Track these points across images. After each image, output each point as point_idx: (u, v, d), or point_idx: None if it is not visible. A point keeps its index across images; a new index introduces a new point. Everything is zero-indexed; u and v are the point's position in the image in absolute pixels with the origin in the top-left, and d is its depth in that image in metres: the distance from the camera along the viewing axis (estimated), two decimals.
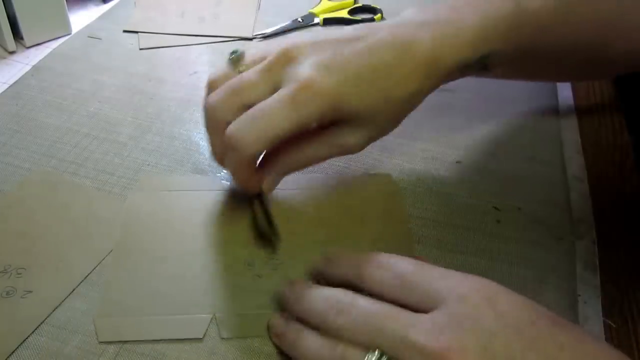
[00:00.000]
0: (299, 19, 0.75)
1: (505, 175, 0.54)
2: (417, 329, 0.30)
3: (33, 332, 0.39)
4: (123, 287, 0.42)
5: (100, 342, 0.39)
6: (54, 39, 0.70)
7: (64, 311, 0.41)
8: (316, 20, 0.76)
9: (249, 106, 0.41)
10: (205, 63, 0.67)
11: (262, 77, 0.42)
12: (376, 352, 0.31)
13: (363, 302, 0.34)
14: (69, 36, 0.71)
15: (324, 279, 0.40)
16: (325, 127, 0.44)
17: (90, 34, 0.71)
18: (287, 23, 0.75)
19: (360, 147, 0.45)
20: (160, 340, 0.39)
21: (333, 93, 0.40)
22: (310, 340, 0.35)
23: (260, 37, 0.72)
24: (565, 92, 0.64)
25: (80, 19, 0.74)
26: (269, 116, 0.40)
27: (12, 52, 0.68)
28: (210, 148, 0.46)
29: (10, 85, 0.62)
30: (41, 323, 0.40)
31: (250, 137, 0.40)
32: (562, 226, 0.49)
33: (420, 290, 0.33)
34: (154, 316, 0.41)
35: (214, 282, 0.43)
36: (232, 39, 0.72)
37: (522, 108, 0.61)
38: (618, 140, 0.58)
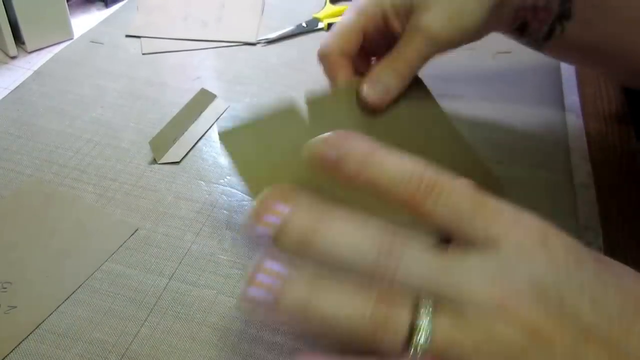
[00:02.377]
0: (303, 24, 0.75)
1: (511, 181, 0.53)
2: (472, 278, 0.27)
3: (28, 340, 0.39)
4: None
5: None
6: (55, 44, 0.70)
7: (65, 318, 0.41)
8: (320, 25, 0.75)
9: None
10: (208, 68, 0.67)
11: None
12: (428, 306, 0.27)
13: (416, 245, 0.28)
14: (71, 41, 0.71)
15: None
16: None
17: (93, 38, 0.71)
18: (291, 28, 0.74)
19: (447, 33, 0.45)
20: (162, 345, 0.39)
21: None
22: (334, 290, 0.27)
23: (264, 42, 0.72)
24: (572, 97, 0.64)
25: (82, 23, 0.74)
26: (342, 18, 0.48)
27: (13, 57, 0.68)
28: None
29: (12, 91, 0.62)
30: (23, 340, 0.40)
31: (330, 38, 0.48)
32: (569, 233, 0.49)
33: (477, 225, 0.29)
34: None
35: None
36: (235, 43, 0.72)
37: (528, 114, 0.60)
38: (625, 147, 0.58)
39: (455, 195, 0.29)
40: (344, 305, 0.27)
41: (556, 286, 0.28)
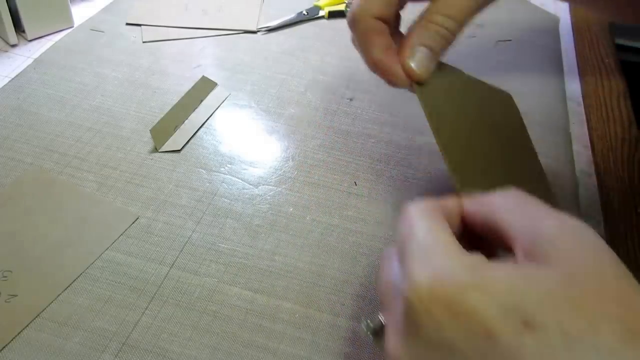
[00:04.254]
0: (304, 12, 0.75)
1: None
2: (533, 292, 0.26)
3: (29, 328, 0.39)
4: None
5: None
6: (56, 32, 0.70)
7: (65, 307, 0.41)
8: (321, 13, 0.75)
9: None
10: (208, 56, 0.67)
11: None
12: None
13: None
14: (71, 29, 0.71)
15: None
16: None
17: (93, 27, 0.71)
18: (291, 16, 0.74)
19: None
20: (163, 334, 0.39)
21: None
22: None
23: (265, 30, 0.72)
24: (573, 85, 0.64)
25: (82, 11, 0.73)
26: None
27: (13, 45, 0.68)
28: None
29: (12, 79, 0.61)
30: (23, 328, 0.40)
31: (365, 1, 0.39)
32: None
33: (528, 231, 0.29)
34: None
35: None
36: (236, 32, 0.71)
37: (529, 102, 0.60)
38: (626, 134, 0.58)
39: None
40: None
41: (598, 300, 0.25)
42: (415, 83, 0.39)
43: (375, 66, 0.40)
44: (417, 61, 0.39)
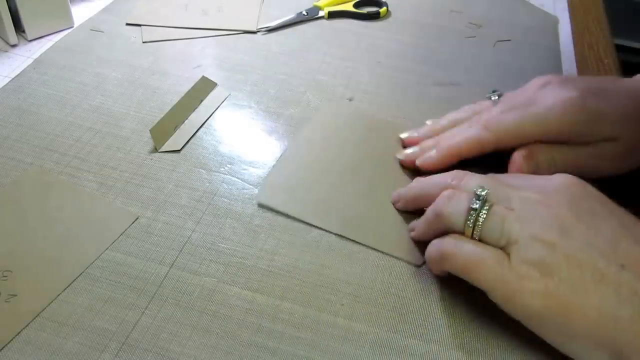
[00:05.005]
0: (304, 12, 0.75)
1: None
2: (519, 187, 0.41)
3: (29, 328, 0.39)
4: (287, 173, 0.51)
5: (259, 205, 0.48)
6: (56, 32, 0.70)
7: (65, 307, 0.41)
8: (321, 13, 0.75)
9: None
10: (208, 56, 0.67)
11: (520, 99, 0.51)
12: (483, 193, 0.40)
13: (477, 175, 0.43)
14: (71, 29, 0.71)
15: None
16: None
17: (93, 27, 0.71)
18: (291, 16, 0.74)
19: (619, 163, 0.49)
20: (162, 333, 0.39)
21: (573, 107, 0.47)
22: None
23: (265, 30, 0.72)
24: None
25: (82, 12, 0.73)
26: (530, 119, 0.48)
27: (13, 45, 0.68)
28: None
29: (12, 79, 0.61)
30: (23, 328, 0.40)
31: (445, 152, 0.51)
32: None
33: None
34: (307, 204, 0.48)
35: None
36: (236, 32, 0.71)
37: None
38: None
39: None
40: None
41: (588, 205, 0.38)
42: None
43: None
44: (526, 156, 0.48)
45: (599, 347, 0.34)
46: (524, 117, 0.48)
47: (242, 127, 0.57)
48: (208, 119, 0.57)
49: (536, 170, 0.47)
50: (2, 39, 0.69)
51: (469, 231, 0.39)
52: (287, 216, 0.47)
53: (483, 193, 0.40)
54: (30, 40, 0.69)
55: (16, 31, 0.68)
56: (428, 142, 0.53)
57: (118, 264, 0.44)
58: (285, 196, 0.49)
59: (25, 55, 0.66)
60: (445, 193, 0.42)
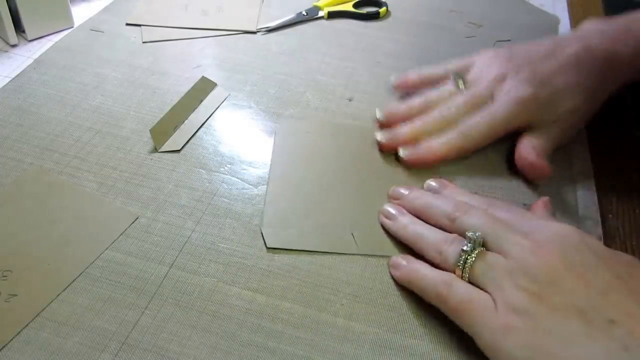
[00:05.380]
0: (303, 12, 0.75)
1: (510, 171, 0.53)
2: (514, 231, 0.40)
3: (29, 328, 0.39)
4: (283, 205, 0.49)
5: (268, 249, 0.46)
6: (56, 32, 0.70)
7: (65, 306, 0.41)
8: (320, 13, 0.75)
9: None
10: (208, 56, 0.67)
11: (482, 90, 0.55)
12: (477, 238, 0.40)
13: (480, 210, 0.43)
14: (71, 29, 0.71)
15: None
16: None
17: (93, 27, 0.71)
18: (291, 16, 0.74)
19: (581, 122, 0.56)
20: (162, 333, 0.39)
21: (541, 105, 0.52)
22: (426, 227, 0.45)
23: (265, 31, 0.72)
24: None
25: (82, 12, 0.73)
26: (488, 126, 0.53)
27: (13, 46, 0.68)
28: None
29: (12, 79, 0.62)
30: (23, 328, 0.40)
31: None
32: (568, 222, 0.49)
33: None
34: (313, 233, 0.47)
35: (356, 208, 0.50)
36: (235, 32, 0.71)
37: None
38: (625, 136, 0.58)
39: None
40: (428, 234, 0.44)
41: (582, 256, 0.37)
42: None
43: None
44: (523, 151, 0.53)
45: None
46: (494, 119, 0.52)
47: (242, 127, 0.57)
48: (208, 119, 0.58)
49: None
50: (2, 39, 0.69)
51: (459, 272, 0.40)
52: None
53: (476, 236, 0.40)
54: (30, 40, 0.69)
55: (16, 31, 0.68)
56: (404, 129, 0.54)
57: (118, 264, 0.44)
58: (292, 232, 0.47)
59: (25, 55, 0.66)
60: (449, 238, 0.42)
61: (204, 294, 0.42)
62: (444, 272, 0.41)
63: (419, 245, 0.44)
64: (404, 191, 0.49)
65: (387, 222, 0.47)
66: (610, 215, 0.50)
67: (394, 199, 0.49)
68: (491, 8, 0.79)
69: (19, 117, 0.56)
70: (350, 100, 0.61)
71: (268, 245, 0.46)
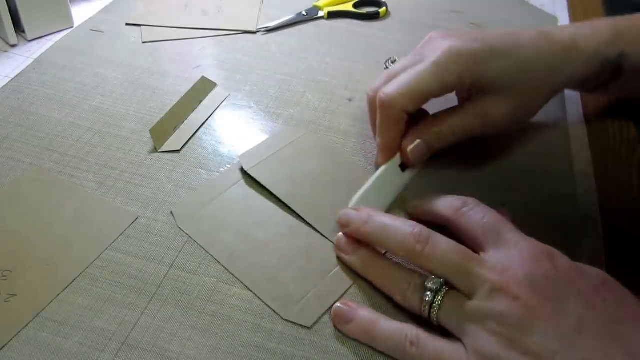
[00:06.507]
0: (303, 12, 0.75)
1: (511, 170, 0.53)
2: (484, 266, 0.37)
3: (28, 328, 0.39)
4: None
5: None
6: (55, 32, 0.70)
7: (65, 306, 0.41)
8: (320, 13, 0.75)
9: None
10: (208, 57, 0.67)
11: (411, 58, 0.50)
12: (440, 280, 0.38)
13: (442, 240, 0.39)
14: (71, 29, 0.71)
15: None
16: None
17: (93, 27, 0.71)
18: (291, 16, 0.74)
19: (507, 120, 0.49)
20: (162, 334, 0.39)
21: (471, 57, 0.46)
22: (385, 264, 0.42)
23: (264, 31, 0.72)
24: None
25: (82, 12, 0.73)
26: (414, 77, 0.46)
27: (13, 46, 0.68)
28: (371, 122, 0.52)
29: (12, 79, 0.62)
30: (23, 328, 0.40)
31: (398, 94, 0.47)
32: (568, 222, 0.49)
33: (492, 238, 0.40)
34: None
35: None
36: (235, 32, 0.71)
37: None
38: (625, 135, 0.58)
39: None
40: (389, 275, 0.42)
41: (553, 283, 0.36)
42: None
43: (382, 147, 0.50)
44: (413, 149, 0.48)
45: None
46: (419, 75, 0.47)
47: (241, 128, 0.57)
48: (208, 119, 0.58)
49: (430, 147, 0.49)
50: (2, 39, 0.69)
51: (425, 315, 0.38)
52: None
53: (438, 283, 0.38)
54: (30, 40, 0.69)
55: (16, 31, 0.68)
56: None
57: (118, 264, 0.44)
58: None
59: (25, 55, 0.66)
60: (412, 282, 0.40)
61: (204, 294, 0.42)
62: (406, 325, 0.38)
63: (381, 284, 0.42)
64: (353, 215, 0.44)
65: (343, 256, 0.44)
66: (610, 216, 0.50)
67: (342, 226, 0.45)
68: (492, 8, 0.79)
69: (19, 117, 0.56)
70: (350, 100, 0.61)
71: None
